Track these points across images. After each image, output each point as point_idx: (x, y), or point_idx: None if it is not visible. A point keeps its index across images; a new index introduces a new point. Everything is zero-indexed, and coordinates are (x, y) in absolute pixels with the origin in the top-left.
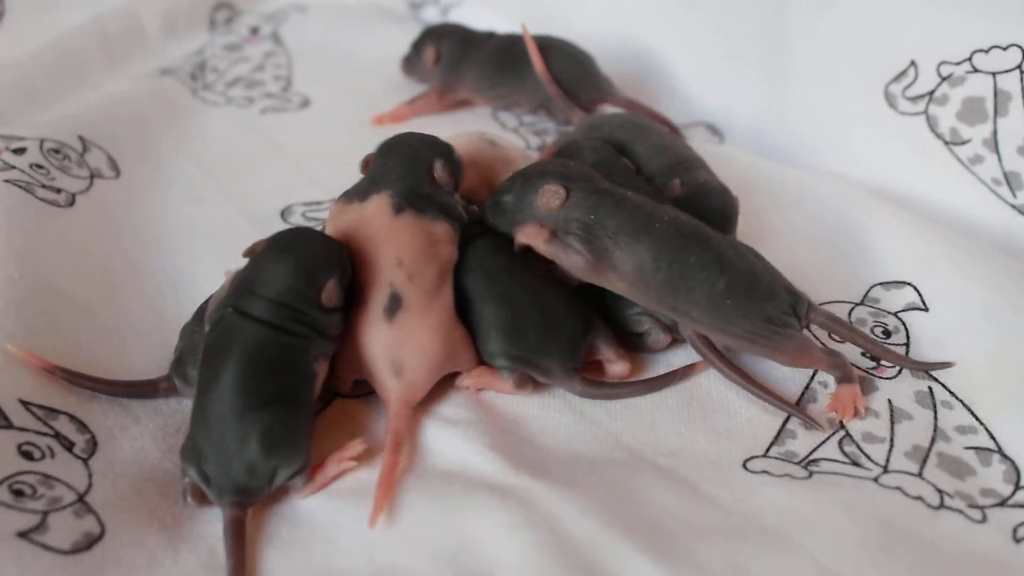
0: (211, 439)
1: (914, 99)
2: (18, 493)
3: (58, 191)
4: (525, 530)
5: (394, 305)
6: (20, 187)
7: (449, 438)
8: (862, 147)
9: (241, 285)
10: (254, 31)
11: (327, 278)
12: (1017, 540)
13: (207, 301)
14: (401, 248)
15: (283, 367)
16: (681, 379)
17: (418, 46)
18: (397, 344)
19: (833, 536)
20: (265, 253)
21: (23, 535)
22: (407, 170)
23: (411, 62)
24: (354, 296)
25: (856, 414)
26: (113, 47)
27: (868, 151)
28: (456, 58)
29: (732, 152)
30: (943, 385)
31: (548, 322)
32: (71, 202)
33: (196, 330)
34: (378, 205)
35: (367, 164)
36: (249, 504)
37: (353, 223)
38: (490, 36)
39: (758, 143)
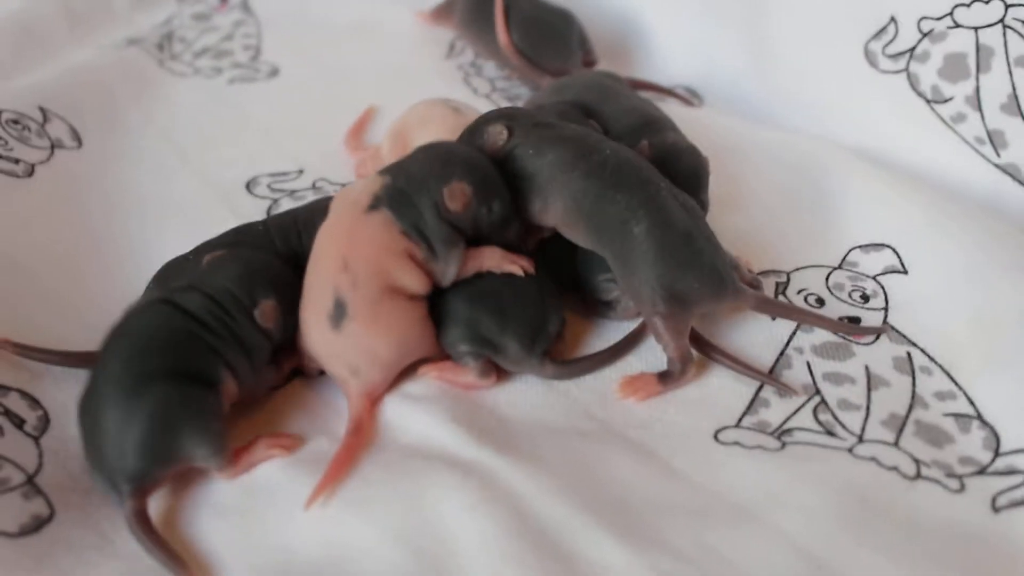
0: (99, 422)
1: (895, 56)
2: None
3: (16, 161)
4: (487, 507)
5: (338, 312)
6: None
7: (411, 413)
8: (843, 107)
9: (184, 283)
10: (223, 0)
11: (267, 296)
12: (996, 509)
13: (165, 265)
14: (352, 249)
15: (183, 347)
16: (644, 337)
17: None
18: (347, 351)
19: (806, 511)
20: (219, 259)
21: None
22: (419, 173)
23: None
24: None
25: (636, 398)
26: (78, 17)
27: (849, 110)
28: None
29: (709, 115)
30: (922, 350)
31: (505, 306)
32: (30, 172)
33: (154, 293)
34: (360, 192)
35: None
36: (149, 490)
37: (333, 204)
38: None
39: (738, 105)
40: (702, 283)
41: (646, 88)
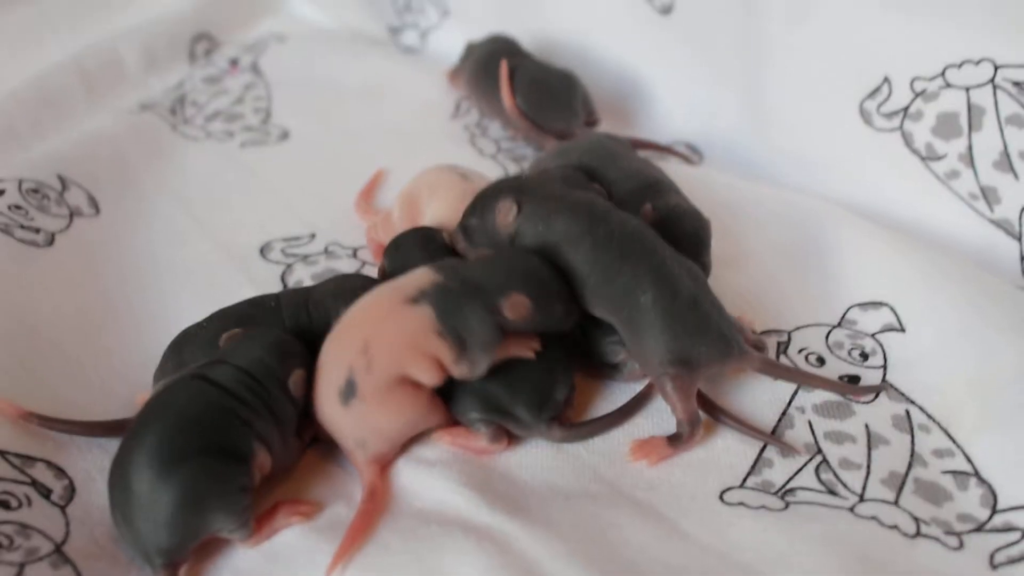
0: (132, 497)
1: (889, 115)
2: None
3: (37, 231)
4: (503, 572)
5: (349, 390)
6: None
7: (425, 478)
8: (839, 164)
9: (214, 357)
10: (234, 63)
11: (299, 366)
12: (994, 566)
13: (180, 334)
14: (378, 334)
15: (216, 423)
16: (650, 399)
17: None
18: (355, 427)
19: (809, 572)
20: (247, 334)
21: None
22: (476, 280)
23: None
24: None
25: (648, 461)
26: (93, 83)
27: (845, 168)
28: (468, 51)
29: (709, 173)
30: (920, 408)
31: (513, 375)
32: (50, 241)
33: (170, 361)
34: (406, 282)
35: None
36: (180, 563)
37: (377, 287)
38: (502, 47)
39: (737, 162)
40: (710, 348)
41: (646, 147)
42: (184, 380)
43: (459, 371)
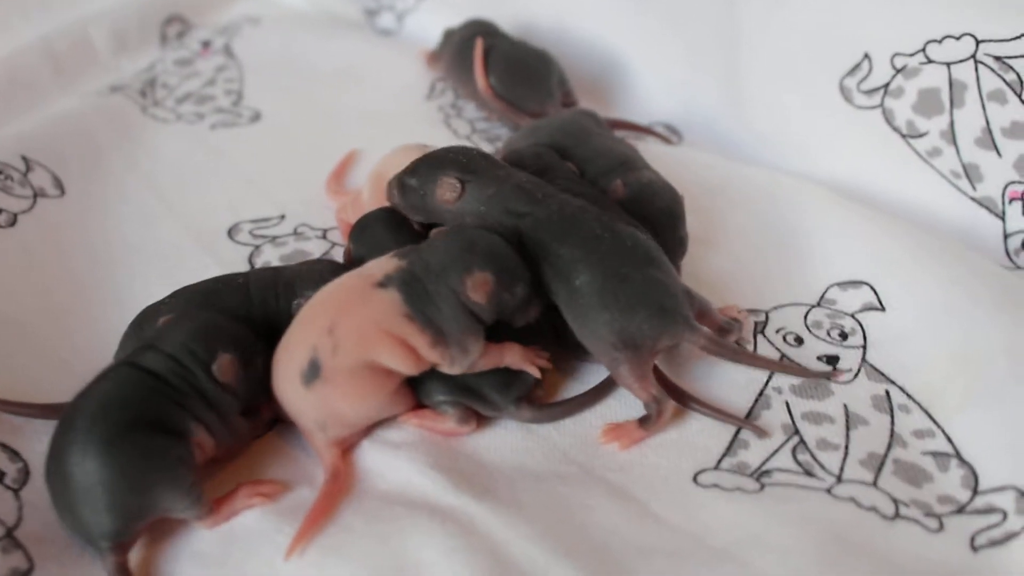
0: (69, 483)
1: (869, 92)
2: None
3: None
4: (466, 553)
5: (312, 372)
6: None
7: (390, 460)
8: (820, 143)
9: (143, 343)
10: (206, 45)
11: (224, 351)
12: (975, 548)
13: (142, 312)
14: (345, 316)
15: (147, 403)
16: None
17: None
18: (316, 409)
19: (784, 554)
20: (176, 318)
21: None
22: (437, 263)
23: None
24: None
25: (619, 444)
26: (62, 65)
27: (826, 147)
28: (447, 37)
29: (688, 152)
30: (900, 388)
31: None
32: (12, 222)
33: (131, 340)
34: (373, 268)
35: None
36: (128, 544)
37: (348, 277)
38: (480, 30)
39: (717, 142)
40: (651, 323)
41: (625, 127)
42: (113, 368)
43: (443, 361)
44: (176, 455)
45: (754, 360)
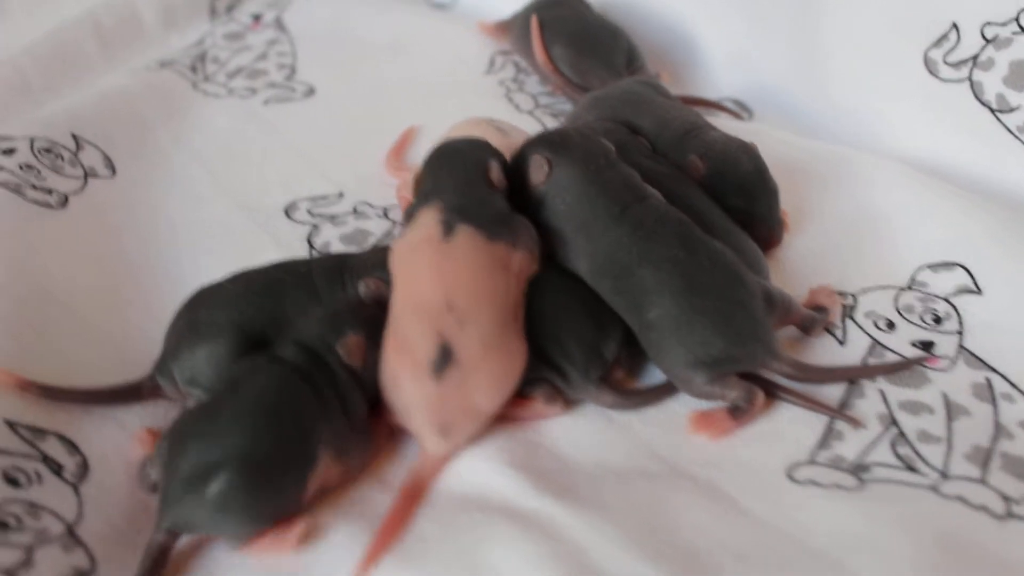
0: (182, 455)
1: (957, 65)
2: (2, 525)
3: (49, 192)
4: (552, 563)
5: (443, 359)
6: (8, 189)
7: (464, 458)
8: (902, 119)
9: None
10: (256, 18)
11: (351, 329)
12: None
13: (197, 291)
14: (452, 285)
15: (290, 419)
16: None
17: None
18: (445, 406)
19: (892, 559)
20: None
21: (7, 573)
22: (460, 176)
23: None
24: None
25: (709, 435)
26: (109, 40)
27: (909, 123)
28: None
29: (762, 129)
30: (1002, 376)
31: (556, 322)
32: (64, 203)
33: (182, 319)
34: (424, 227)
35: (417, 183)
36: (176, 535)
37: (403, 253)
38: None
39: (789, 118)
40: (730, 352)
41: (694, 103)
42: (265, 364)
43: (534, 261)
44: (279, 501)
45: (839, 374)
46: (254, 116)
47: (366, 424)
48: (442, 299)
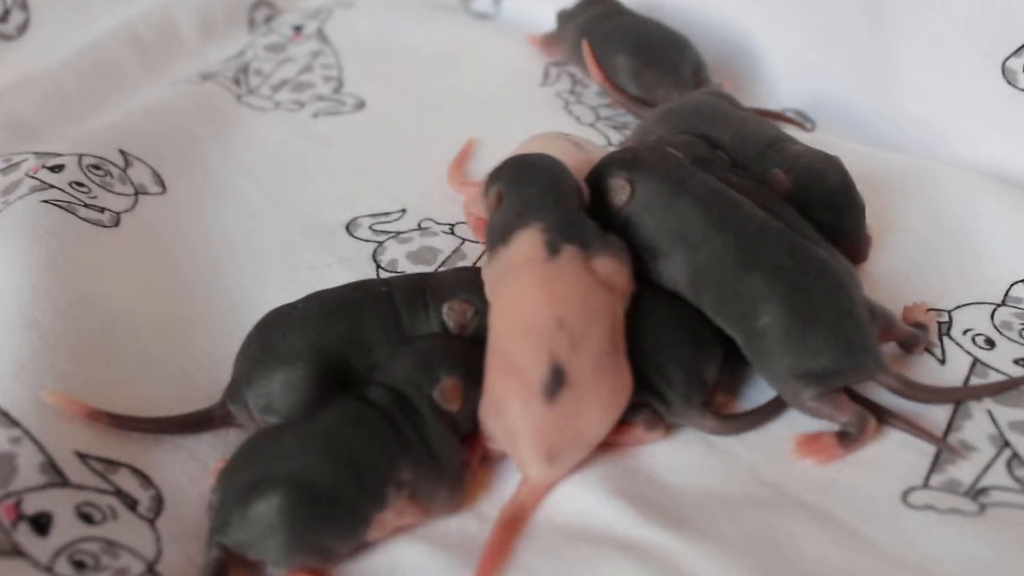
0: (239, 470)
1: None
2: (79, 565)
3: (102, 210)
4: None
5: (556, 382)
6: (60, 207)
7: (566, 484)
8: (976, 130)
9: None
10: (297, 29)
11: (447, 374)
12: None
13: (271, 312)
14: (561, 303)
15: (360, 453)
16: None
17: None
18: (556, 430)
19: None
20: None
21: None
22: (555, 195)
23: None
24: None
25: (816, 461)
26: (148, 52)
27: (983, 134)
28: (564, 19)
29: (831, 140)
30: None
31: (657, 346)
32: (116, 222)
33: (255, 343)
34: (527, 245)
35: (499, 198)
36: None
37: (501, 275)
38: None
39: (854, 129)
40: (839, 363)
41: (757, 114)
42: (349, 403)
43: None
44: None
45: (947, 395)
46: (304, 130)
47: (460, 467)
48: (553, 319)
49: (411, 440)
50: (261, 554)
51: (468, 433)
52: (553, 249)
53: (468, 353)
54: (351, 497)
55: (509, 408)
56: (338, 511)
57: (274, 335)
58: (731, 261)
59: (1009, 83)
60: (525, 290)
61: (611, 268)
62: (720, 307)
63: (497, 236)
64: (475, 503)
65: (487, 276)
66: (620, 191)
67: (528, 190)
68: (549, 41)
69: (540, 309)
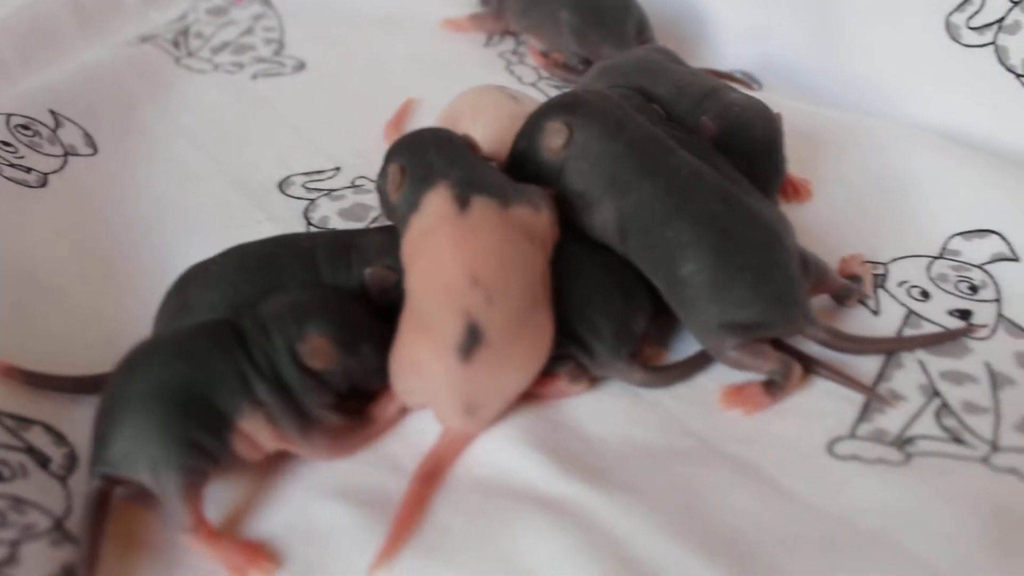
0: (109, 395)
1: (980, 29)
2: None
3: (28, 170)
4: (588, 553)
5: (472, 340)
6: None
7: (486, 437)
8: (922, 87)
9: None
10: None
11: (316, 331)
12: None
13: (190, 268)
14: (475, 259)
15: (212, 361)
16: None
17: None
18: (473, 387)
19: (946, 536)
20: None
21: None
22: (454, 153)
23: None
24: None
25: (743, 411)
26: (87, 13)
27: (929, 91)
28: None
29: (773, 99)
30: None
31: (583, 295)
32: (43, 182)
33: (173, 299)
34: (436, 203)
35: (402, 173)
36: (116, 483)
37: (416, 245)
38: None
39: (802, 89)
40: (767, 315)
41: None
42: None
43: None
44: (196, 440)
45: (878, 345)
46: (243, 91)
47: (327, 415)
48: (467, 275)
49: (262, 368)
50: (140, 469)
51: (367, 388)
52: (463, 203)
53: (358, 318)
54: (209, 393)
55: (425, 368)
56: (200, 404)
57: (192, 291)
58: (660, 207)
59: (953, 39)
60: (437, 250)
61: (529, 216)
62: (645, 252)
63: (407, 206)
64: (392, 456)
65: (404, 250)
66: (557, 135)
67: (427, 155)
68: (479, 19)
69: (453, 267)
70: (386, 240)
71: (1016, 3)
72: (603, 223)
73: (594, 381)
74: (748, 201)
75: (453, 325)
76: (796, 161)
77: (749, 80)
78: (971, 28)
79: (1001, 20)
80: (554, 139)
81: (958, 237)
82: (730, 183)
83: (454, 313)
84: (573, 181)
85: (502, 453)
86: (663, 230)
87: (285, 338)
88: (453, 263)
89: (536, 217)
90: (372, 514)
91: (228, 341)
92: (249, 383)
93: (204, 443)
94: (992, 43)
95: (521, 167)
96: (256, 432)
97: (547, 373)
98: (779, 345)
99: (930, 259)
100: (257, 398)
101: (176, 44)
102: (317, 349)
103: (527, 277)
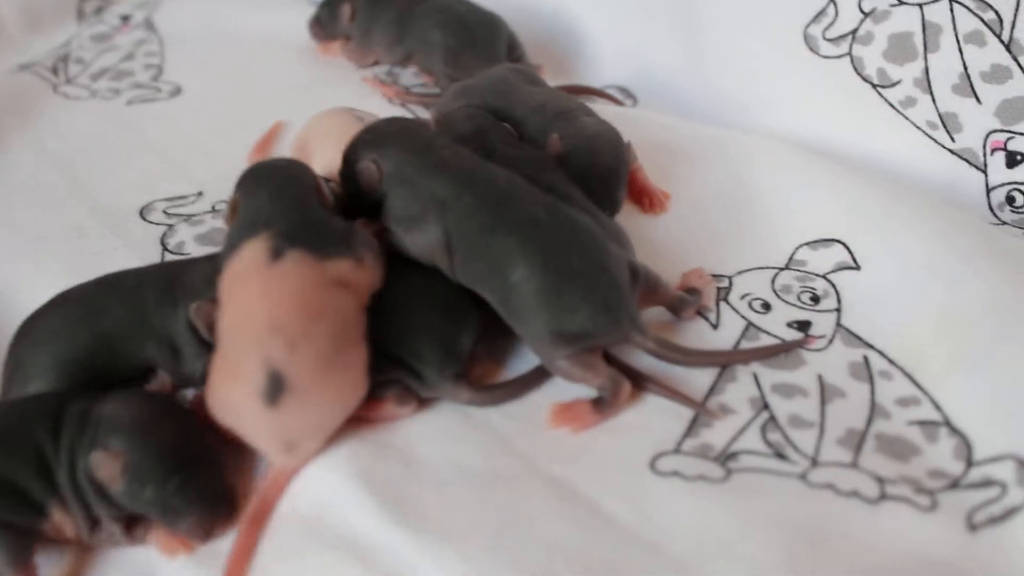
0: None
1: (836, 40)
2: None
3: None
4: None
5: (274, 387)
6: None
7: (312, 468)
8: (784, 98)
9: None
10: (125, 19)
11: (117, 446)
12: (973, 527)
13: (21, 325)
14: (278, 307)
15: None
16: None
17: (331, 4)
18: (286, 427)
19: (753, 564)
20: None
21: None
22: (287, 200)
23: (321, 21)
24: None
25: (571, 429)
26: None
27: (791, 101)
28: (368, 16)
29: (644, 114)
30: (880, 352)
31: (407, 317)
32: None
33: (8, 359)
34: (251, 253)
35: (234, 208)
36: None
37: (229, 285)
38: None
39: (674, 104)
40: (595, 321)
41: (574, 91)
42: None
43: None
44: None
45: (709, 358)
46: (116, 117)
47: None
48: (269, 323)
49: (62, 460)
50: None
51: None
52: (276, 254)
53: (177, 450)
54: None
55: (236, 411)
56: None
57: (23, 350)
58: (482, 217)
59: (811, 50)
60: (245, 297)
61: (346, 268)
62: (473, 265)
63: (229, 246)
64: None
65: (221, 288)
66: (370, 175)
67: (259, 200)
68: (352, 51)
69: (256, 314)
70: (211, 274)
71: (867, 14)
72: (429, 244)
73: (423, 403)
74: (567, 209)
75: (255, 373)
76: (654, 172)
77: (624, 96)
78: (827, 39)
79: (855, 31)
80: (369, 178)
81: (805, 247)
82: (550, 194)
83: (256, 361)
84: (396, 207)
85: (325, 486)
86: (488, 239)
87: (91, 438)
88: (258, 311)
89: (354, 270)
90: (209, 561)
91: (40, 427)
92: (52, 472)
93: (17, 523)
94: (848, 54)
95: (355, 203)
96: (61, 521)
97: (375, 397)
98: (611, 361)
99: (776, 270)
100: (58, 488)
101: (55, 71)
102: (102, 462)
103: (335, 321)
